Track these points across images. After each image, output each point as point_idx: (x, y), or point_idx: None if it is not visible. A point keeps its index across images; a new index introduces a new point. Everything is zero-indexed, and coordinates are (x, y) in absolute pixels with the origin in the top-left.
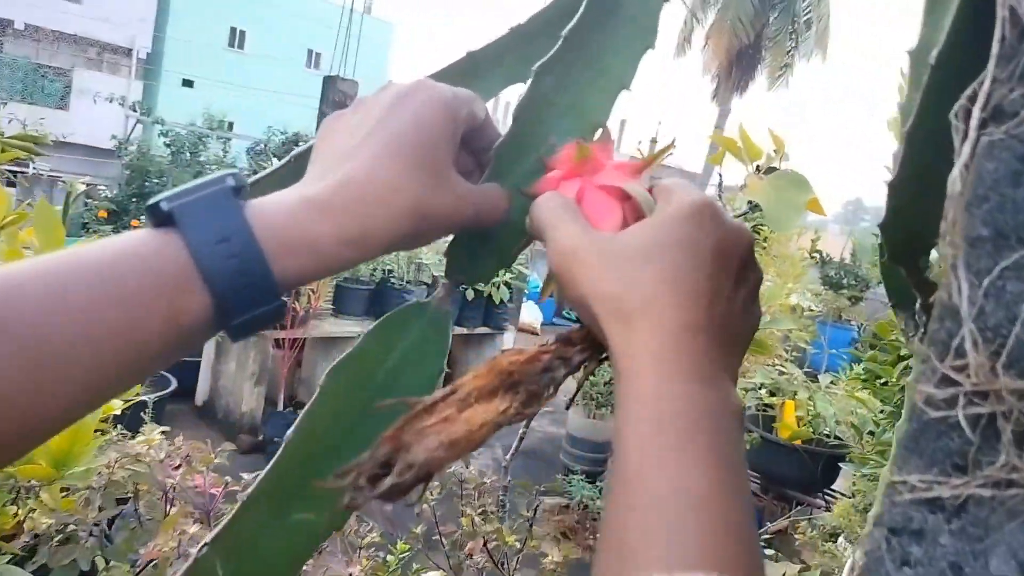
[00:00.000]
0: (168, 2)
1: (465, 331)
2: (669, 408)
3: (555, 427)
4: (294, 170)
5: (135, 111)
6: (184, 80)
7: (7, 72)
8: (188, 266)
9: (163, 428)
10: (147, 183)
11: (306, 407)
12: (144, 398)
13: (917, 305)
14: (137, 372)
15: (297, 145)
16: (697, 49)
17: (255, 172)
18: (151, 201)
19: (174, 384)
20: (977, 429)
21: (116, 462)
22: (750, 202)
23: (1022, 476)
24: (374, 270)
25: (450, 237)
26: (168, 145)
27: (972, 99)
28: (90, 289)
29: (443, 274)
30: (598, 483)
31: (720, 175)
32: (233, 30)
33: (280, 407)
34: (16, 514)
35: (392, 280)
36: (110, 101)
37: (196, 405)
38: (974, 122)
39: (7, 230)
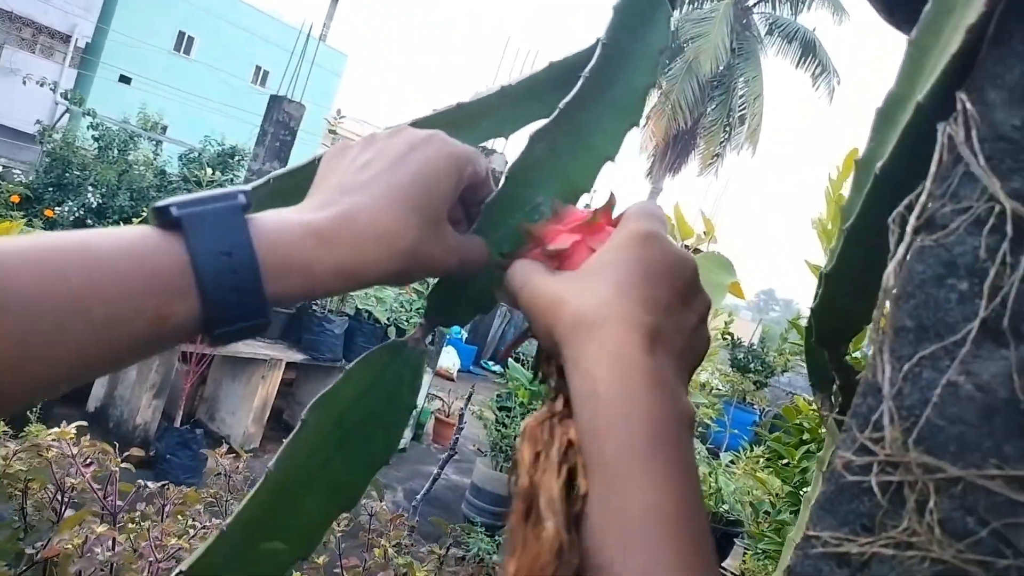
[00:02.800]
0: None
1: None
2: (634, 416)
3: (459, 476)
4: (272, 191)
5: (66, 99)
6: (122, 76)
7: None
8: (186, 271)
9: (79, 423)
10: (67, 174)
11: (288, 440)
12: None
13: (835, 386)
14: (114, 362)
15: (232, 158)
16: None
17: (185, 179)
18: (159, 204)
19: None
20: (886, 495)
21: (14, 454)
22: None
23: (920, 540)
24: None
25: (432, 279)
26: (97, 139)
27: (909, 208)
28: (90, 275)
29: (423, 313)
30: (497, 537)
31: None
32: (181, 34)
33: (177, 423)
34: None
35: (313, 307)
36: (40, 85)
37: (87, 411)
38: (909, 228)
39: None
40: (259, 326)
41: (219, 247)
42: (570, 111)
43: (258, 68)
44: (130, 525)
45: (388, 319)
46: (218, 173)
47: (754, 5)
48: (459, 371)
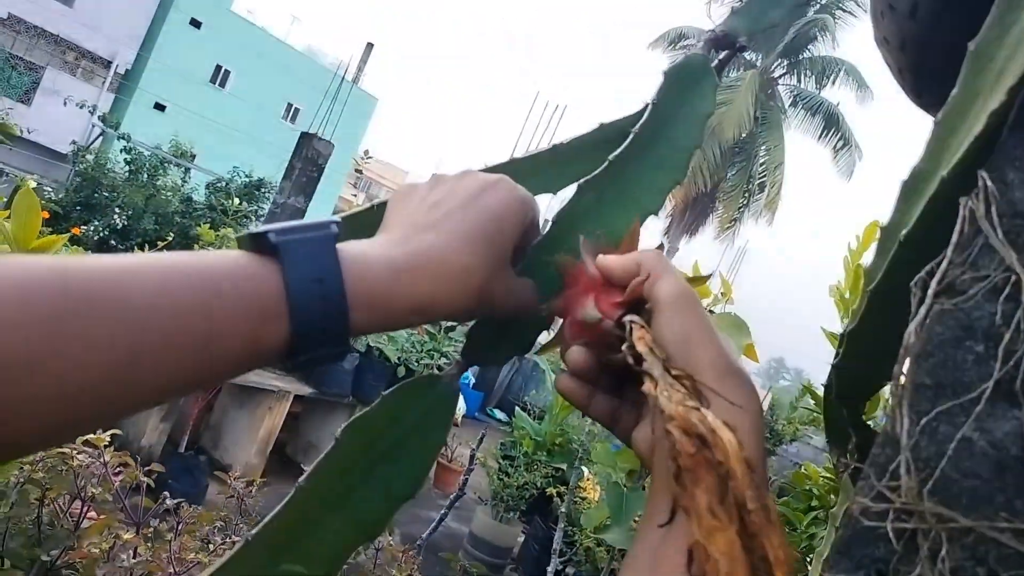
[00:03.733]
0: (161, 27)
1: None
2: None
3: (458, 523)
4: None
5: (103, 122)
6: (157, 103)
7: None
8: (280, 296)
9: (114, 431)
10: (96, 194)
11: (319, 459)
12: None
13: (851, 443)
14: (208, 380)
15: (259, 190)
16: None
17: (211, 207)
18: (257, 230)
19: None
20: (901, 541)
21: (40, 460)
22: None
23: None
24: None
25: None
26: (128, 162)
27: (931, 274)
28: (194, 293)
29: (460, 353)
30: None
31: None
32: (218, 67)
33: (182, 448)
34: None
35: None
36: (80, 107)
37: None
38: (930, 292)
39: None
40: (337, 354)
41: (312, 274)
42: (619, 164)
43: (290, 105)
44: (146, 541)
45: (399, 359)
46: (244, 203)
47: (779, 77)
48: (464, 416)
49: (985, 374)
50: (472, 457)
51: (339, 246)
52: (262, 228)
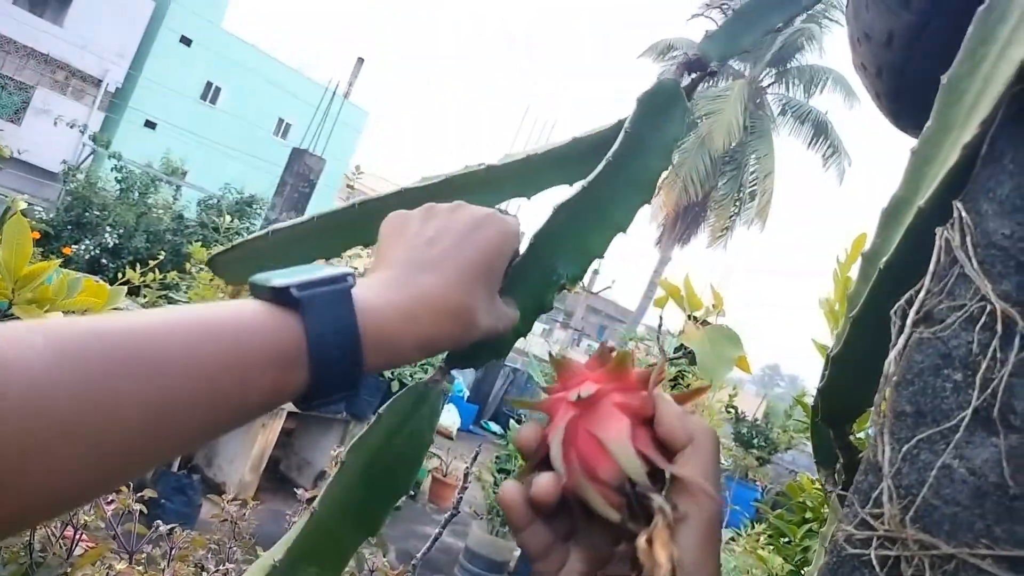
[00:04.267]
0: (151, 45)
1: None
2: None
3: (454, 538)
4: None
5: (93, 141)
6: (147, 121)
7: None
8: (301, 347)
9: None
10: (87, 213)
11: (330, 480)
12: None
13: (838, 464)
14: (232, 426)
15: (250, 206)
16: None
17: (203, 224)
18: (279, 284)
19: None
20: (884, 568)
21: None
22: (682, 346)
23: None
24: None
25: None
26: (119, 180)
27: (909, 303)
28: (224, 352)
29: (443, 360)
30: None
31: (661, 318)
32: (209, 84)
33: (175, 468)
34: None
35: None
36: (71, 126)
37: None
38: (909, 321)
39: None
40: (348, 399)
41: (332, 327)
42: (592, 188)
43: (281, 120)
44: (138, 568)
45: (392, 373)
46: (236, 220)
47: (768, 86)
48: (459, 430)
49: (964, 402)
50: (467, 475)
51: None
52: (283, 282)
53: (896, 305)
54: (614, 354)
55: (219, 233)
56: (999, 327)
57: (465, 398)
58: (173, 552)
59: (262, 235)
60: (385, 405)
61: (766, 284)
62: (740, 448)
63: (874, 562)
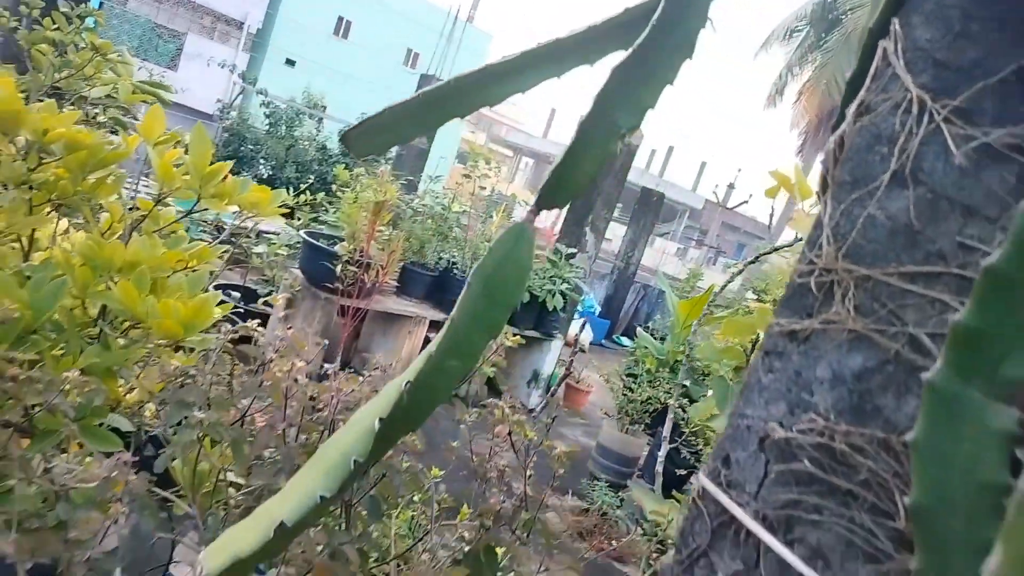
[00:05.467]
0: None
1: (516, 333)
2: None
3: (587, 439)
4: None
5: (242, 80)
6: (288, 59)
7: (127, 27)
8: None
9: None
10: (242, 148)
11: (460, 296)
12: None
13: None
14: None
15: None
16: (788, 103)
17: (344, 153)
18: None
19: None
20: (822, 291)
21: (234, 330)
22: (797, 234)
23: (841, 319)
24: (439, 259)
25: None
26: (268, 116)
27: (853, 98)
28: None
29: (535, 200)
30: (620, 493)
31: (772, 208)
32: (340, 19)
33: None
34: (138, 376)
35: (455, 270)
36: (222, 66)
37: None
38: (851, 110)
39: (159, 147)
40: None
41: None
42: (640, 49)
43: (409, 50)
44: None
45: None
46: None
47: None
48: (591, 343)
49: (886, 168)
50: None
51: None
52: None
53: (847, 101)
54: None
55: (358, 159)
56: (915, 108)
57: (597, 313)
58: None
59: (381, 113)
60: (495, 239)
61: None
62: None
63: (812, 287)
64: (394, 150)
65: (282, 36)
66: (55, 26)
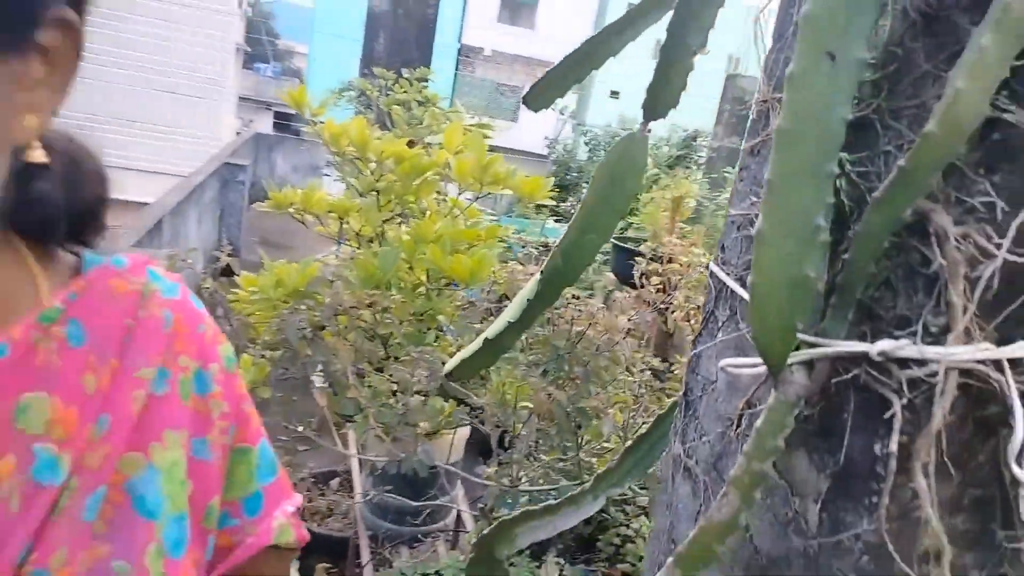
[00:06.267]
0: (605, 18)
1: None
2: None
3: None
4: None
5: (562, 115)
6: (612, 91)
7: (475, 91)
8: None
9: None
10: (567, 175)
11: (588, 185)
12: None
13: None
14: None
15: (695, 140)
16: None
17: (657, 164)
18: None
19: None
20: (762, 115)
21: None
22: None
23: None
24: None
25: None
26: (587, 144)
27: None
28: None
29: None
30: None
31: None
32: (657, 42)
33: None
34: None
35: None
36: (551, 109)
37: None
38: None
39: (458, 155)
40: None
41: None
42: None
43: (730, 56)
44: None
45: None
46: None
47: None
48: None
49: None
50: None
51: None
52: None
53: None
54: None
55: (671, 169)
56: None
57: None
58: None
59: (555, 66)
60: (611, 147)
61: None
62: None
63: (759, 116)
64: (704, 152)
65: (605, 71)
66: (403, 90)
